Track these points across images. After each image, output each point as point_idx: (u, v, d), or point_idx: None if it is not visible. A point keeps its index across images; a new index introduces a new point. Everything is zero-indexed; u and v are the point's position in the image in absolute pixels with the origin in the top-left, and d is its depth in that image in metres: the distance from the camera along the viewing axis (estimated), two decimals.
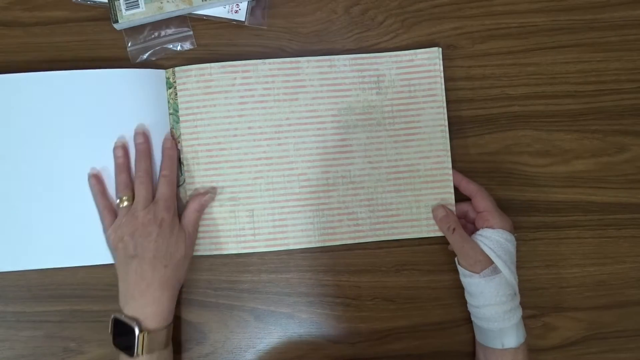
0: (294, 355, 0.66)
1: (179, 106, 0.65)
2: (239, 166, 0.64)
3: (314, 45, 0.66)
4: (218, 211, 0.64)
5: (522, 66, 0.67)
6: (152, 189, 0.61)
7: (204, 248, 0.64)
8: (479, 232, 0.61)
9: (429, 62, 0.65)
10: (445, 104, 0.65)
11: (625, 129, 0.67)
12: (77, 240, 0.63)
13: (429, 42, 0.66)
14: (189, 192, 0.64)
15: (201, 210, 0.63)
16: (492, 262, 0.59)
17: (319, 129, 0.65)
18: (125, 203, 0.60)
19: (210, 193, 0.63)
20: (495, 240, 0.59)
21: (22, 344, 0.65)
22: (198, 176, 0.64)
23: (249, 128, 0.64)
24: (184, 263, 0.60)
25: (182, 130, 0.65)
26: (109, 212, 0.61)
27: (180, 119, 0.64)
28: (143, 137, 0.62)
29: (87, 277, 0.65)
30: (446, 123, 0.65)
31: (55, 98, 0.63)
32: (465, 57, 0.67)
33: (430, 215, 0.64)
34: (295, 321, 0.66)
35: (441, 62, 0.65)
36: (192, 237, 0.61)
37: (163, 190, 0.60)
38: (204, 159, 0.64)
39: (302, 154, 0.65)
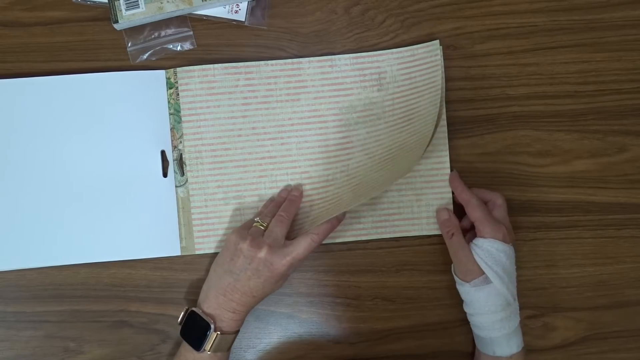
0: (294, 355, 0.66)
1: (181, 107, 0.65)
2: (243, 165, 0.65)
3: (314, 46, 0.66)
4: (224, 209, 0.65)
5: (522, 66, 0.67)
6: (285, 234, 0.60)
7: (209, 246, 0.64)
8: (473, 241, 0.61)
9: (430, 54, 0.65)
10: (444, 94, 0.64)
11: (625, 129, 0.67)
12: (77, 238, 0.64)
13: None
14: (192, 192, 0.65)
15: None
16: (483, 272, 0.59)
17: (321, 128, 0.65)
18: (261, 228, 0.60)
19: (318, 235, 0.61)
20: (486, 250, 0.59)
21: (22, 344, 0.65)
22: (202, 175, 0.64)
23: (253, 128, 0.65)
24: (268, 295, 0.61)
25: (185, 131, 0.65)
26: (255, 217, 0.62)
27: (183, 119, 0.65)
28: (299, 192, 0.64)
29: (87, 277, 0.65)
30: (444, 109, 0.65)
31: (54, 101, 0.64)
32: (465, 57, 0.67)
33: (431, 214, 0.65)
34: (295, 321, 0.66)
35: (441, 54, 0.65)
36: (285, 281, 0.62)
37: (297, 249, 0.58)
38: (208, 158, 0.65)
39: (304, 153, 0.65)
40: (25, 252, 0.63)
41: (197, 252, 0.65)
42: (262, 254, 0.57)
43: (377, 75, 0.65)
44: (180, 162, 0.65)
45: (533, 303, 0.66)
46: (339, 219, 0.61)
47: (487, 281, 0.59)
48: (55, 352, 0.65)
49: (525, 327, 0.66)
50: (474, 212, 0.60)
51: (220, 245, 0.64)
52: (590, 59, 0.67)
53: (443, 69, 0.64)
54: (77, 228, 0.64)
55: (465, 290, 0.60)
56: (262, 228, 0.60)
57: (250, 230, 0.60)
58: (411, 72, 0.65)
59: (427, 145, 0.58)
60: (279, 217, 0.61)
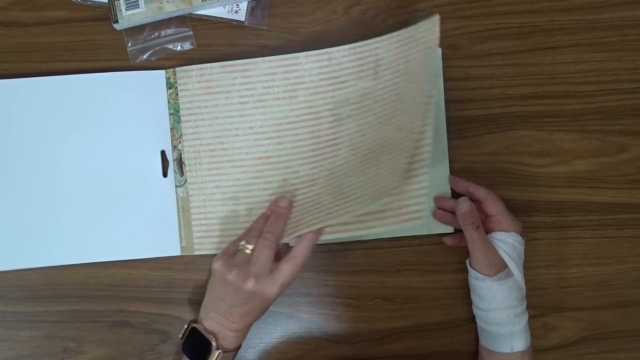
0: (294, 355, 0.66)
1: (180, 106, 0.65)
2: (240, 165, 0.64)
3: (314, 46, 0.66)
4: (221, 210, 0.64)
5: (522, 66, 0.67)
6: (273, 255, 0.57)
7: (205, 247, 0.64)
8: (492, 235, 0.60)
9: (428, 31, 0.61)
10: (441, 77, 0.64)
11: (625, 129, 0.67)
12: (77, 238, 0.64)
13: None
14: (191, 192, 0.65)
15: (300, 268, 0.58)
16: (506, 266, 0.59)
17: (315, 125, 0.64)
18: (247, 252, 0.57)
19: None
20: (510, 244, 0.59)
21: (22, 344, 0.65)
22: (200, 175, 0.64)
23: (250, 128, 0.64)
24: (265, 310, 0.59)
25: (184, 130, 0.65)
26: (240, 240, 0.59)
27: (182, 119, 0.65)
28: (287, 203, 0.61)
29: (87, 277, 0.65)
30: (445, 134, 0.65)
31: (54, 101, 0.64)
32: (465, 57, 0.67)
33: (401, 177, 0.56)
34: (295, 321, 0.66)
35: (440, 28, 0.60)
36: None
37: (285, 272, 0.56)
38: (207, 158, 0.64)
39: (298, 152, 0.64)
40: (25, 252, 0.63)
41: (196, 253, 0.65)
42: (250, 285, 0.55)
43: (373, 64, 0.63)
44: (180, 162, 0.65)
45: (533, 303, 0.66)
46: (316, 234, 0.58)
47: (509, 275, 0.59)
48: (55, 352, 0.65)
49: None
50: (496, 205, 0.60)
51: (217, 247, 0.64)
52: (590, 59, 0.67)
53: (440, 50, 0.64)
54: (76, 228, 0.64)
55: (487, 285, 0.59)
56: (249, 252, 0.57)
57: (235, 257, 0.57)
58: (407, 55, 0.62)
59: (414, 158, 0.54)
60: (264, 240, 0.57)
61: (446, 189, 0.65)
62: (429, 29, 0.61)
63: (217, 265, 0.57)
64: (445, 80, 0.66)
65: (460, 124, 0.67)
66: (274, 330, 0.66)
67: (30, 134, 0.64)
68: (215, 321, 0.58)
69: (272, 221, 0.59)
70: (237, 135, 0.64)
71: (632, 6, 0.67)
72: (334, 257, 0.66)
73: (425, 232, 0.65)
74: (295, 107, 0.64)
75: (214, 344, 0.56)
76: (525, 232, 0.66)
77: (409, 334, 0.66)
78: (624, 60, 0.67)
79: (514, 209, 0.65)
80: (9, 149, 0.64)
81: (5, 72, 0.65)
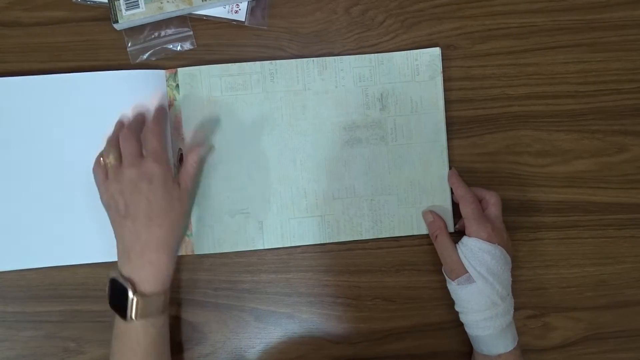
0: (294, 355, 0.66)
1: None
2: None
3: (314, 45, 0.66)
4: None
5: (522, 66, 0.67)
6: (139, 146, 0.57)
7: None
8: (461, 240, 0.61)
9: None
10: (444, 118, 0.65)
11: (625, 129, 0.67)
12: (77, 239, 0.64)
13: (429, 42, 0.67)
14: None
15: (199, 162, 0.60)
16: (466, 271, 0.59)
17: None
18: (113, 162, 0.57)
19: (208, 145, 0.63)
20: (470, 249, 0.59)
21: (22, 344, 0.65)
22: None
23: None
24: (180, 221, 0.57)
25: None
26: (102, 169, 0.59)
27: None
28: (162, 112, 0.63)
29: (87, 277, 0.65)
30: (444, 134, 0.65)
31: (55, 100, 0.63)
32: (465, 57, 0.67)
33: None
34: (295, 321, 0.66)
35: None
36: (188, 192, 0.59)
37: (151, 143, 0.57)
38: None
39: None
40: (25, 252, 0.63)
41: (197, 253, 0.65)
42: (128, 174, 0.55)
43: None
44: (181, 163, 0.65)
45: (533, 303, 0.66)
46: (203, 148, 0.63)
47: (471, 280, 0.59)
48: (55, 352, 0.65)
49: (525, 327, 0.66)
50: (464, 209, 0.61)
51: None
52: (590, 59, 0.67)
53: (442, 90, 0.65)
54: (77, 228, 0.63)
55: (452, 288, 0.61)
56: (115, 161, 0.57)
57: (108, 175, 0.57)
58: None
59: None
60: (151, 132, 0.59)
61: (445, 188, 0.65)
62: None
63: (102, 201, 0.58)
64: (445, 80, 0.66)
65: (460, 124, 0.67)
66: (274, 330, 0.66)
67: (30, 133, 0.64)
68: (129, 264, 0.55)
69: (127, 124, 0.61)
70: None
71: (632, 6, 0.67)
72: (334, 257, 0.66)
73: (424, 232, 0.66)
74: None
75: (130, 290, 0.54)
76: (525, 232, 0.66)
77: (409, 334, 0.66)
78: (624, 60, 0.67)
79: (514, 208, 0.65)
80: (9, 148, 0.63)
81: (5, 72, 0.65)
